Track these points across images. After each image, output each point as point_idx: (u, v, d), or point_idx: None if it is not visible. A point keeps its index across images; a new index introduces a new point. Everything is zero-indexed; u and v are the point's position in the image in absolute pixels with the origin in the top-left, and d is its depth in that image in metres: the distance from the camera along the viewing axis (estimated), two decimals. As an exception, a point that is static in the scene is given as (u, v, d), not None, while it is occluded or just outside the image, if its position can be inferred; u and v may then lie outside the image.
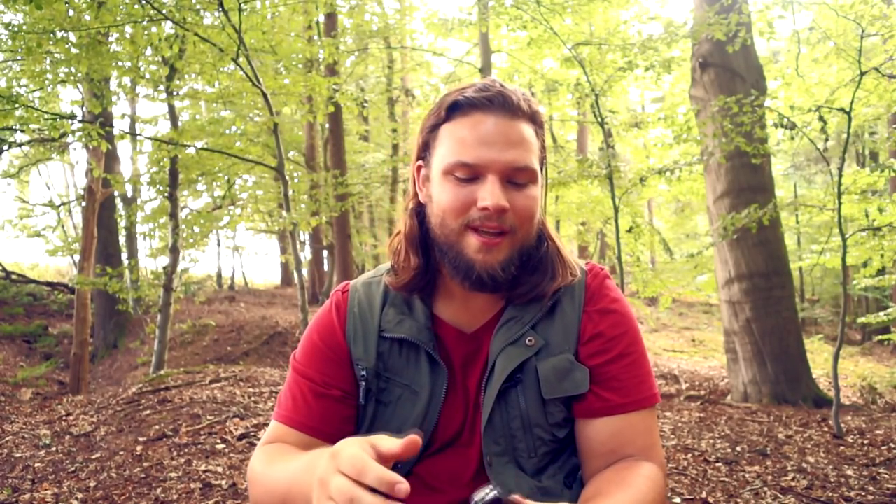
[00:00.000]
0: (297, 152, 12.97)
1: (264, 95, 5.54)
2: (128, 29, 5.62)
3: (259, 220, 17.91)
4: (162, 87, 7.31)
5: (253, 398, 4.41)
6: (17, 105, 5.21)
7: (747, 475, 3.20)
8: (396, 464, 1.00)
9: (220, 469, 3.05)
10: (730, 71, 6.00)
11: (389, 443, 0.69)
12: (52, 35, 5.08)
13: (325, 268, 12.59)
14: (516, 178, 0.92)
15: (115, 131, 7.85)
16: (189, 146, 7.04)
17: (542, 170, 0.99)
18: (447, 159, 0.93)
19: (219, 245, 19.06)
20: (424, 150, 1.00)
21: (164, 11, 4.89)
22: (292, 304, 14.21)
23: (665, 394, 6.86)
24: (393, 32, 10.70)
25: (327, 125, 10.53)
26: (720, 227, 5.10)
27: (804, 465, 3.38)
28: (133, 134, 10.00)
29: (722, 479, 3.13)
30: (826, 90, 6.60)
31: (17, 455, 3.60)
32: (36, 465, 3.38)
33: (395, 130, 12.68)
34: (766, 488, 2.96)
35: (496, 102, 0.92)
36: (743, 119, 4.63)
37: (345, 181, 9.02)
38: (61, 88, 7.49)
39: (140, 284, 9.68)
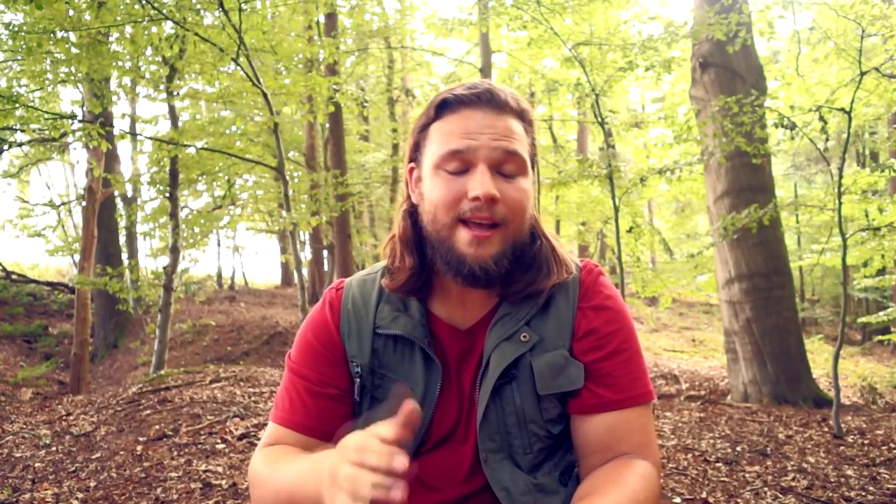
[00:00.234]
0: (297, 152, 12.96)
1: (264, 95, 5.54)
2: (128, 29, 5.62)
3: (259, 220, 17.91)
4: (162, 87, 7.31)
5: (253, 398, 4.41)
6: (17, 105, 5.21)
7: (747, 475, 3.20)
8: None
9: (220, 469, 3.05)
10: (730, 71, 6.00)
11: (390, 427, 0.72)
12: (52, 35, 5.07)
13: (326, 268, 12.58)
14: (506, 166, 0.93)
15: (116, 131, 7.85)
16: (189, 146, 7.05)
17: (533, 167, 1.00)
18: (437, 153, 0.94)
19: (219, 245, 19.08)
20: (416, 151, 1.01)
21: (164, 11, 4.89)
22: (292, 304, 14.21)
23: (665, 394, 6.86)
24: (393, 32, 10.70)
25: (327, 125, 10.53)
26: (720, 227, 5.10)
27: (804, 465, 3.38)
28: (133, 134, 10.00)
29: (722, 479, 3.13)
30: (826, 90, 6.60)
31: (18, 455, 3.60)
32: (36, 464, 3.38)
33: (395, 130, 12.68)
34: (766, 488, 2.96)
35: (484, 99, 0.94)
36: (743, 119, 4.63)
37: (345, 181, 9.02)
38: (61, 88, 7.49)
39: (140, 284, 9.68)
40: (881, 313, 7.81)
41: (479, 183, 0.90)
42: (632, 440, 0.96)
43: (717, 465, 3.39)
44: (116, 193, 11.11)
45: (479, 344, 1.01)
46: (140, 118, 11.23)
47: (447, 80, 12.66)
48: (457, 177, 0.92)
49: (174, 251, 7.59)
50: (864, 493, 2.88)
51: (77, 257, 12.52)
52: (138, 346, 10.63)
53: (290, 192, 6.31)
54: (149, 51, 6.11)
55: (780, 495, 2.87)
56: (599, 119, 5.23)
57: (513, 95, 0.97)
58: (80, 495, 2.84)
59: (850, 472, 3.21)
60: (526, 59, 10.49)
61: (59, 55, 5.64)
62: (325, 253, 12.46)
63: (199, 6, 5.09)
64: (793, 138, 4.84)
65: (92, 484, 2.98)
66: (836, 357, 4.12)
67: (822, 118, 4.36)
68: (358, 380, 1.01)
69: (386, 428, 0.72)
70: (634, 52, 5.28)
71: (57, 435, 3.96)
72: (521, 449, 0.98)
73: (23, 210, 14.88)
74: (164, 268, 7.70)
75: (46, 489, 2.97)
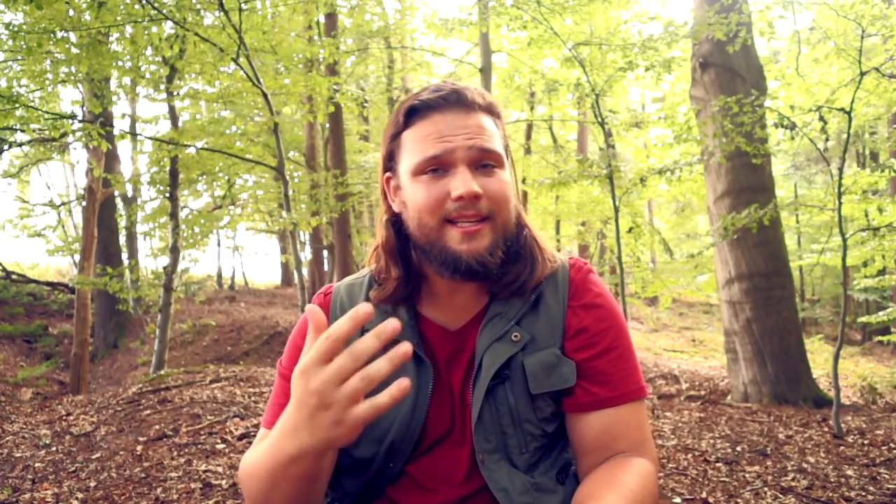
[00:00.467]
0: (297, 152, 12.96)
1: (264, 95, 5.54)
2: (128, 29, 5.61)
3: (259, 220, 17.91)
4: (162, 87, 7.31)
5: (253, 398, 4.41)
6: (17, 105, 5.21)
7: (747, 475, 3.20)
8: (388, 463, 1.00)
9: (220, 469, 3.05)
10: (730, 71, 6.00)
11: (335, 328, 0.73)
12: (52, 35, 5.07)
13: (326, 268, 12.58)
14: (483, 162, 0.94)
15: (116, 131, 7.85)
16: (189, 146, 7.05)
17: (508, 158, 1.01)
18: (414, 160, 0.94)
19: (219, 245, 19.09)
20: (390, 160, 1.02)
21: (164, 11, 4.89)
22: (292, 304, 14.22)
23: (665, 394, 6.86)
24: (393, 32, 10.70)
25: (327, 125, 10.53)
26: (720, 227, 5.10)
27: (804, 465, 3.38)
28: (133, 134, 10.00)
29: (722, 479, 3.13)
30: (826, 90, 6.60)
31: (18, 455, 3.60)
32: (36, 464, 3.38)
33: (395, 130, 12.62)
34: (766, 488, 2.96)
35: (451, 100, 0.95)
36: (743, 119, 4.63)
37: (345, 181, 9.02)
38: (61, 88, 7.49)
39: (140, 284, 9.68)
40: (881, 313, 7.81)
41: (461, 182, 0.90)
42: (628, 438, 0.97)
43: (717, 465, 3.39)
44: (116, 193, 11.11)
45: (468, 344, 1.01)
46: (140, 118, 11.23)
47: (447, 80, 12.62)
48: (437, 179, 0.93)
49: (174, 251, 7.59)
50: (864, 493, 2.88)
51: (77, 257, 12.52)
52: (138, 346, 10.63)
53: (290, 192, 6.31)
54: (149, 51, 6.11)
55: (780, 495, 2.87)
56: (599, 119, 5.23)
57: (478, 92, 0.98)
58: (80, 495, 2.84)
59: (850, 472, 3.21)
60: (526, 59, 10.49)
61: (59, 55, 5.63)
62: (325, 253, 12.46)
63: (199, 6, 5.09)
64: (793, 138, 4.84)
65: (92, 484, 2.98)
66: (836, 357, 4.12)
67: (822, 118, 4.36)
68: None
69: (332, 330, 0.73)
70: (634, 52, 5.27)
71: (57, 435, 3.96)
72: (517, 449, 0.98)
73: (23, 210, 14.89)
74: (164, 268, 7.70)
75: (46, 489, 2.97)
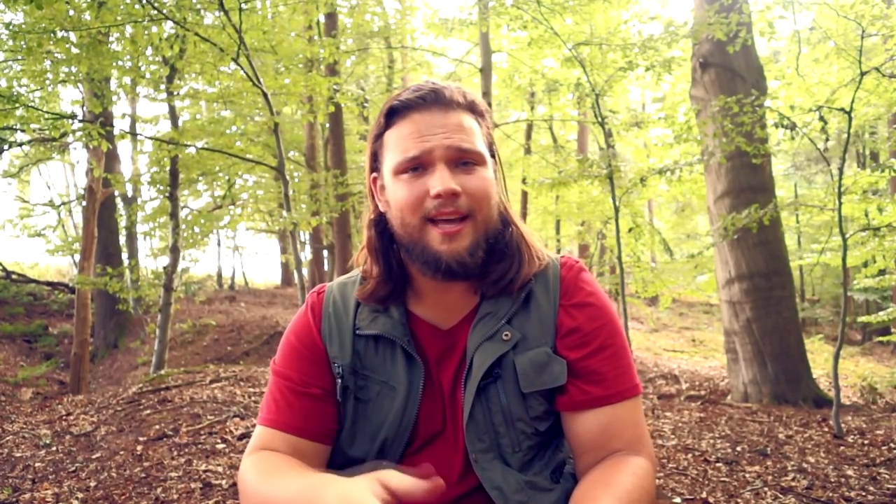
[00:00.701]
0: (297, 152, 12.97)
1: (265, 95, 5.54)
2: (128, 29, 5.62)
3: (259, 220, 17.91)
4: (162, 87, 7.31)
5: (253, 398, 4.41)
6: (17, 105, 5.20)
7: (747, 475, 3.20)
8: (381, 461, 1.00)
9: (220, 469, 3.05)
10: (730, 71, 6.00)
11: (400, 480, 0.72)
12: (52, 35, 5.07)
13: (326, 268, 12.58)
14: (463, 160, 0.94)
15: (116, 131, 7.85)
16: (189, 146, 7.05)
17: (493, 156, 1.01)
18: (395, 160, 0.95)
19: (219, 245, 19.08)
20: (375, 161, 1.03)
21: (164, 11, 4.89)
22: (292, 304, 14.22)
23: (665, 394, 6.86)
24: (393, 32, 10.70)
25: (327, 125, 10.53)
26: (720, 227, 5.10)
27: (804, 465, 3.38)
28: (133, 134, 10.00)
29: (722, 479, 3.13)
30: (826, 90, 6.60)
31: (18, 455, 3.61)
32: (36, 464, 3.38)
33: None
34: (766, 488, 2.96)
35: (429, 99, 0.95)
36: (743, 119, 4.63)
37: (345, 181, 9.02)
38: (62, 88, 7.50)
39: (140, 284, 9.69)
40: (881, 313, 7.80)
41: (439, 180, 0.91)
42: (624, 436, 0.97)
43: (717, 465, 3.39)
44: (116, 193, 11.11)
45: (459, 344, 1.01)
46: (140, 118, 11.23)
47: (447, 79, 12.64)
48: (417, 178, 0.94)
49: (174, 251, 7.59)
50: (864, 493, 2.88)
51: (77, 257, 12.53)
52: (138, 346, 10.63)
53: (291, 192, 6.31)
54: (149, 51, 6.11)
55: (780, 495, 2.87)
56: (599, 119, 5.23)
57: (459, 90, 0.98)
58: (80, 495, 2.84)
59: (850, 472, 3.21)
60: (526, 59, 10.49)
61: (59, 55, 5.63)
62: (325, 253, 12.46)
63: (199, 6, 5.09)
64: (793, 138, 4.84)
65: (92, 484, 2.98)
66: (836, 357, 4.11)
67: (822, 118, 4.36)
68: (340, 381, 1.01)
69: (397, 479, 0.72)
70: (634, 52, 5.28)
71: (57, 435, 3.96)
72: (510, 447, 0.98)
73: (23, 210, 14.89)
74: (164, 268, 7.70)
75: (46, 489, 2.97)
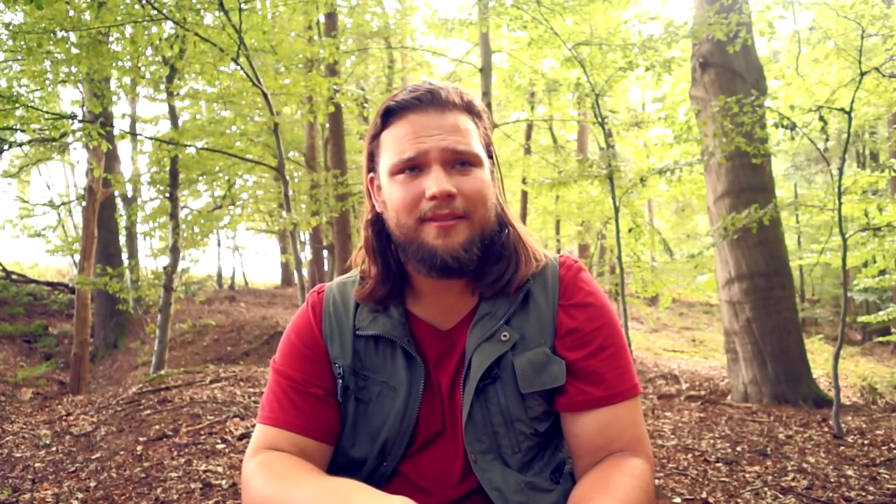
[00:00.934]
0: (297, 152, 12.97)
1: (265, 95, 5.54)
2: (128, 29, 5.61)
3: (259, 220, 17.91)
4: (162, 87, 7.31)
5: (253, 398, 4.41)
6: (17, 105, 5.20)
7: (747, 475, 3.20)
8: (381, 462, 1.00)
9: (220, 469, 3.05)
10: (730, 71, 6.00)
11: None
12: (52, 35, 5.07)
13: (325, 268, 12.58)
14: (458, 162, 0.94)
15: (116, 131, 7.85)
16: (189, 146, 7.05)
17: (491, 157, 1.01)
18: (390, 161, 0.95)
19: (219, 245, 19.08)
20: (371, 161, 1.03)
21: (164, 11, 4.89)
22: (292, 304, 14.21)
23: (665, 394, 6.85)
24: (393, 32, 10.70)
25: (327, 125, 10.53)
26: (720, 227, 5.09)
27: (804, 465, 3.38)
28: (133, 134, 10.01)
29: (722, 479, 3.13)
30: (826, 90, 6.60)
31: (18, 455, 3.61)
32: (36, 464, 3.38)
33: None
34: (766, 488, 2.96)
35: (425, 100, 0.95)
36: (743, 119, 4.63)
37: (345, 181, 9.02)
38: (62, 88, 7.49)
39: (140, 284, 9.69)
40: (881, 313, 7.79)
41: (434, 182, 0.91)
42: (623, 437, 0.97)
43: (717, 465, 3.39)
44: (116, 193, 11.11)
45: (458, 344, 1.01)
46: (140, 118, 11.25)
47: (447, 79, 12.66)
48: (413, 179, 0.94)
49: (174, 251, 7.59)
50: (864, 494, 2.88)
51: (77, 257, 12.52)
52: (138, 346, 10.63)
53: (291, 192, 6.31)
54: (149, 51, 6.10)
55: (780, 495, 2.87)
56: (599, 119, 5.22)
57: (455, 91, 0.98)
58: (80, 495, 2.84)
59: (850, 472, 3.21)
60: (526, 59, 10.47)
61: (59, 55, 5.63)
62: (325, 253, 12.46)
63: (199, 6, 5.09)
64: (793, 138, 4.83)
65: (92, 484, 2.98)
66: (836, 357, 4.11)
67: (822, 118, 4.35)
68: (340, 381, 1.01)
69: None
70: (634, 52, 5.27)
71: (57, 435, 3.96)
72: (510, 448, 0.98)
73: (23, 210, 14.89)
74: (164, 268, 7.70)
75: (46, 489, 2.97)
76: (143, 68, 6.71)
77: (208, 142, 7.77)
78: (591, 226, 13.80)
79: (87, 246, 8.62)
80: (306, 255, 12.80)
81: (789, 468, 3.31)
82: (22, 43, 5.09)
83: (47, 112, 5.63)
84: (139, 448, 3.43)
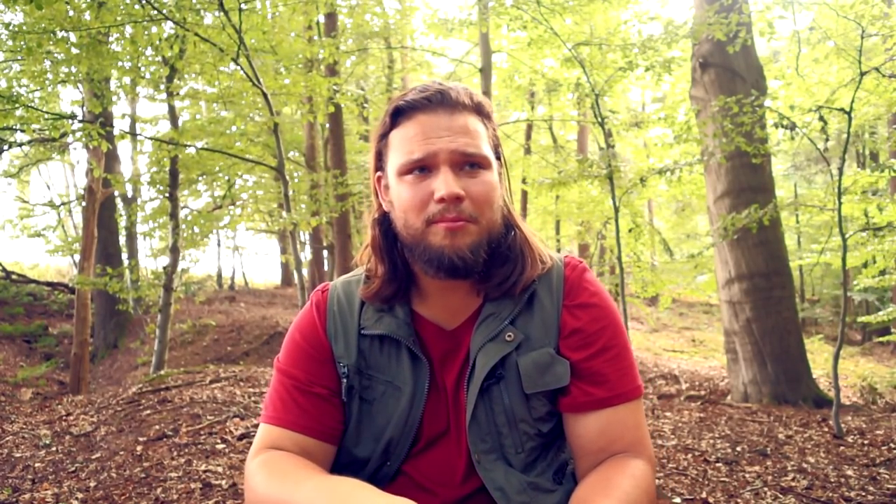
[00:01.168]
0: (297, 152, 12.97)
1: (265, 95, 5.54)
2: (128, 29, 5.61)
3: (259, 220, 17.90)
4: (162, 87, 7.31)
5: (253, 398, 4.41)
6: (17, 105, 5.20)
7: (747, 475, 3.20)
8: (385, 461, 1.00)
9: (220, 469, 3.05)
10: (730, 71, 6.00)
11: None
12: (52, 35, 5.07)
13: (325, 268, 12.58)
14: (467, 164, 0.94)
15: (116, 131, 7.84)
16: (189, 146, 7.05)
17: (499, 159, 1.01)
18: (399, 161, 0.95)
19: (219, 245, 19.07)
20: (379, 160, 1.02)
21: (164, 11, 4.89)
22: (292, 304, 14.22)
23: (665, 394, 6.85)
24: (393, 33, 10.70)
25: (327, 125, 10.53)
26: (720, 227, 5.09)
27: (804, 465, 3.38)
28: (133, 134, 10.00)
29: (722, 479, 3.13)
30: (826, 90, 6.60)
31: (18, 455, 3.60)
32: (36, 464, 3.38)
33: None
34: (766, 488, 2.96)
35: (435, 101, 0.95)
36: (743, 119, 4.63)
37: (345, 181, 9.02)
38: (61, 88, 7.49)
39: (140, 284, 9.69)
40: (881, 313, 7.80)
41: (443, 184, 0.91)
42: (625, 438, 0.97)
43: (717, 465, 3.39)
44: (116, 193, 11.11)
45: (463, 345, 1.01)
46: (140, 118, 11.24)
47: (447, 79, 12.64)
48: (422, 179, 0.93)
49: (174, 251, 7.59)
50: (864, 494, 2.88)
51: (77, 257, 12.52)
52: (138, 346, 10.63)
53: (290, 192, 6.31)
54: (149, 51, 6.10)
55: (780, 495, 2.87)
56: (599, 119, 5.22)
57: (465, 91, 0.98)
58: (80, 495, 2.84)
59: (850, 472, 3.21)
60: (526, 59, 10.48)
61: (59, 55, 5.63)
62: (325, 253, 12.46)
63: (199, 6, 5.09)
64: (793, 138, 4.84)
65: (92, 484, 2.98)
66: (836, 357, 4.11)
67: (822, 118, 4.35)
68: (345, 380, 1.01)
69: None
70: (634, 52, 5.27)
71: (57, 435, 3.96)
72: (513, 448, 0.98)
73: (23, 210, 14.88)
74: (164, 268, 7.70)
75: (46, 489, 2.97)
76: (142, 68, 6.71)
77: (208, 142, 7.77)
78: (591, 226, 13.80)
79: (87, 246, 8.62)
80: (306, 255, 12.80)
81: (789, 468, 3.31)
82: (22, 43, 5.09)
83: (47, 112, 5.63)
84: (139, 448, 3.43)
